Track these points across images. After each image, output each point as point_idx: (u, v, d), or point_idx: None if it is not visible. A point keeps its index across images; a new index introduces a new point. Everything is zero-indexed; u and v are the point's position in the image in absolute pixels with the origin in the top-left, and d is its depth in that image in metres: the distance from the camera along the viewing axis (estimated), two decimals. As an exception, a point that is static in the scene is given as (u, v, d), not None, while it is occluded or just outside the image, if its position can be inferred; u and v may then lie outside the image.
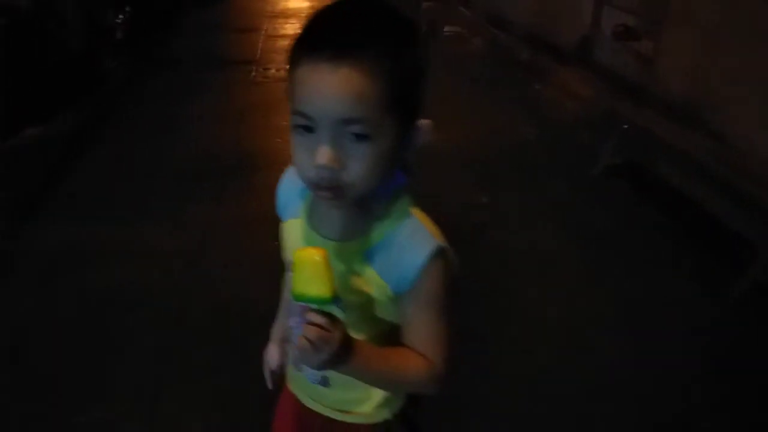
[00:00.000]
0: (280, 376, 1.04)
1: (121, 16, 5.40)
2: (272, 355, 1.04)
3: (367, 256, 0.81)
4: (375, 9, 0.75)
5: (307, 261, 0.71)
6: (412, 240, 0.80)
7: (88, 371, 1.93)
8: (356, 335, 0.79)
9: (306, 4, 8.03)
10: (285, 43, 5.93)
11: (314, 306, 0.72)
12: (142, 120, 4.11)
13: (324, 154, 0.71)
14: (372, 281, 0.81)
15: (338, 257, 0.81)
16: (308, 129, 0.73)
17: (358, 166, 0.72)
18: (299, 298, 0.72)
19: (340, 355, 0.73)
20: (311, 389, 0.95)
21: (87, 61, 4.37)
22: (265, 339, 1.06)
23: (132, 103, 4.36)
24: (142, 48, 5.54)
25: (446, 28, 6.59)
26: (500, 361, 2.00)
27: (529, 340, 2.11)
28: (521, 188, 3.20)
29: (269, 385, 1.04)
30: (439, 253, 0.79)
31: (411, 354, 0.82)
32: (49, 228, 2.73)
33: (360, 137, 0.71)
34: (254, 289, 2.21)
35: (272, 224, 0.99)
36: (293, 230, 0.89)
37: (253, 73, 5.03)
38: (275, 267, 0.98)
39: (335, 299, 0.72)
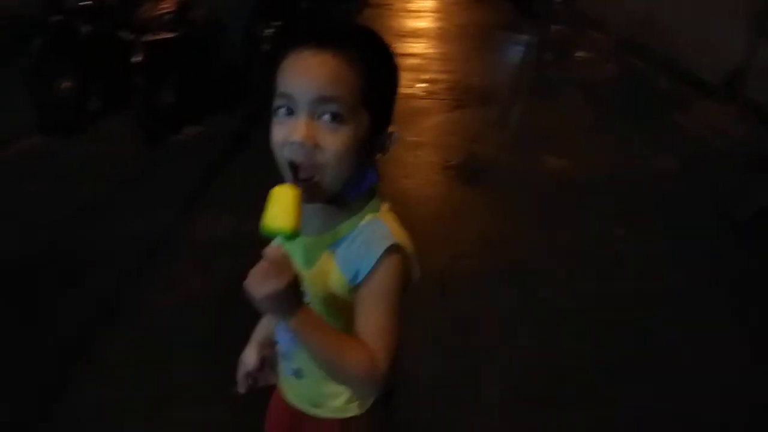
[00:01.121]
0: (254, 379, 1.04)
1: (269, 30, 5.86)
2: (249, 356, 1.04)
3: (331, 249, 0.85)
4: (358, 26, 0.88)
5: (281, 194, 0.76)
6: (372, 236, 0.82)
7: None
8: None
9: (436, 25, 8.24)
10: (414, 62, 6.15)
11: (278, 242, 0.76)
12: (265, 132, 4.44)
13: (300, 129, 0.77)
14: (332, 273, 0.84)
15: (309, 251, 0.86)
16: (289, 111, 0.80)
17: (332, 147, 0.77)
18: (266, 231, 0.77)
19: (285, 297, 0.75)
20: (288, 383, 0.99)
21: (242, 71, 4.80)
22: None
23: (265, 117, 4.71)
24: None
25: (577, 53, 6.47)
26: (627, 398, 1.96)
27: (660, 381, 2.04)
28: (661, 224, 3.08)
29: (240, 389, 1.05)
30: (394, 250, 0.82)
31: (356, 341, 0.81)
32: (208, 218, 3.05)
33: (335, 118, 0.77)
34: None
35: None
36: None
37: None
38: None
39: (297, 235, 0.77)
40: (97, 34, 3.92)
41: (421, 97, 5.07)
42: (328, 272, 0.85)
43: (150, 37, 3.67)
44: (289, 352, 0.96)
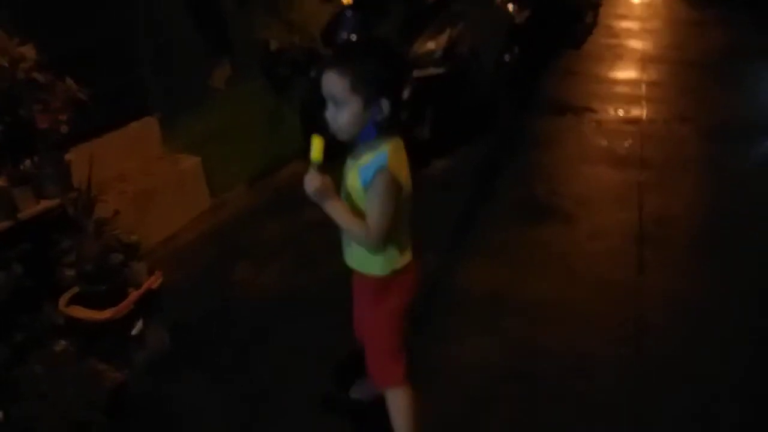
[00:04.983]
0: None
1: (507, 56, 5.58)
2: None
3: (358, 169, 1.53)
4: (360, 48, 1.73)
5: (314, 141, 1.50)
6: (375, 161, 1.49)
7: None
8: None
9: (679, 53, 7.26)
10: (669, 93, 5.45)
11: (315, 166, 1.51)
12: (515, 164, 4.18)
13: (328, 112, 1.50)
14: (355, 181, 1.54)
15: (350, 169, 1.58)
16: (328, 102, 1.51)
17: (339, 118, 1.48)
18: (312, 161, 1.50)
19: (320, 193, 1.51)
20: (346, 250, 1.69)
21: (489, 101, 4.67)
22: None
23: (513, 149, 4.45)
24: (519, 90, 5.58)
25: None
26: None
27: None
28: None
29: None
30: (384, 170, 1.48)
31: (359, 220, 1.54)
32: (466, 264, 2.94)
33: (338, 104, 1.48)
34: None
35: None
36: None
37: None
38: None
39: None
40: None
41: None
42: (354, 180, 1.54)
43: (418, 74, 3.68)
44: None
